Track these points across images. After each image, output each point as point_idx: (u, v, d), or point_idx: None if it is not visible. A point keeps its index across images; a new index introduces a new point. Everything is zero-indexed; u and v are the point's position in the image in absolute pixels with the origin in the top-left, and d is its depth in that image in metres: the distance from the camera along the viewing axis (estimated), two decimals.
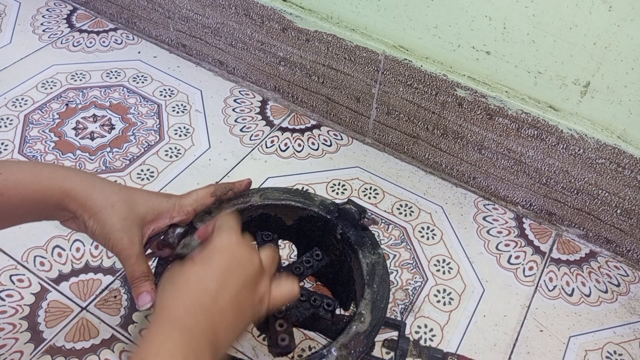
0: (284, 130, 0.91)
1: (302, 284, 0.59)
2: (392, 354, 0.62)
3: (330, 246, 0.62)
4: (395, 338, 0.59)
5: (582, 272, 0.76)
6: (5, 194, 0.45)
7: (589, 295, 0.74)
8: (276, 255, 0.51)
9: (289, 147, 0.89)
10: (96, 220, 0.48)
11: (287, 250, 0.74)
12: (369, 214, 0.66)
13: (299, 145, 0.89)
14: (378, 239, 0.77)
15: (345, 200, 0.60)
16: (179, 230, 0.53)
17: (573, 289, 0.74)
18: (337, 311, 0.58)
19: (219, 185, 0.57)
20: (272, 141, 0.89)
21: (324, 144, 0.90)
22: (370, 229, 0.60)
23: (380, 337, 0.65)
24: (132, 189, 0.52)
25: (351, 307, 0.66)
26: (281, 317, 0.54)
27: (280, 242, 0.64)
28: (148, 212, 0.51)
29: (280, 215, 0.63)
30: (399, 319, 0.69)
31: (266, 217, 0.62)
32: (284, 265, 0.60)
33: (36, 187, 0.46)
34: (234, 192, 0.59)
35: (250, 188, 0.61)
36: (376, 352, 0.64)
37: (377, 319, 0.53)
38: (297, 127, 0.92)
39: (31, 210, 0.47)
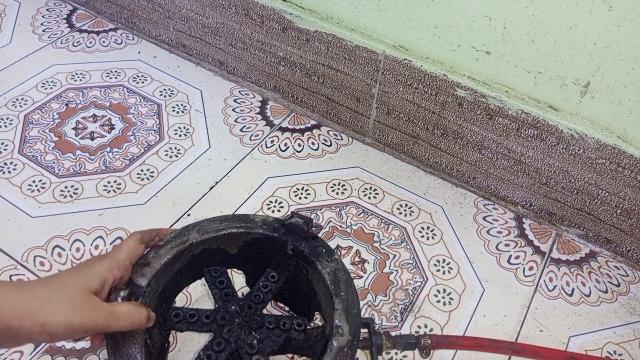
0: (284, 130, 0.91)
1: (264, 311, 0.57)
2: (367, 351, 0.61)
3: (281, 263, 0.60)
4: (366, 336, 0.58)
5: (582, 272, 0.76)
6: None
7: (589, 295, 0.74)
8: None
9: (289, 147, 0.89)
10: (46, 318, 0.41)
11: (242, 278, 0.69)
12: (315, 221, 0.63)
13: (299, 145, 0.89)
14: (378, 239, 0.77)
15: (288, 214, 0.58)
16: (122, 294, 0.49)
17: (573, 289, 0.74)
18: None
19: (144, 232, 0.53)
20: (272, 141, 0.89)
21: (324, 144, 0.90)
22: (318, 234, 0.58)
23: None
24: (61, 274, 0.45)
25: (315, 318, 0.64)
26: (256, 352, 0.52)
27: (228, 272, 0.60)
28: (90, 283, 0.45)
29: (223, 246, 0.59)
30: (399, 318, 0.69)
31: (208, 251, 0.59)
32: (241, 297, 0.57)
33: None
34: (160, 237, 0.55)
35: (186, 225, 0.57)
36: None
37: (355, 326, 0.51)
38: (297, 127, 0.92)
39: None
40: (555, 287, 0.74)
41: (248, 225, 0.58)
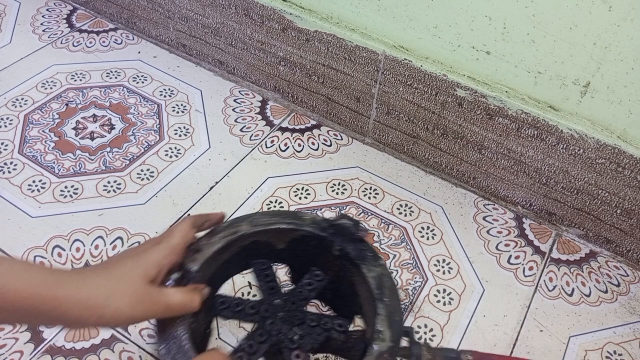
0: (284, 130, 0.91)
1: (306, 308, 0.57)
2: None
3: (327, 263, 0.60)
4: (406, 345, 0.58)
5: (582, 272, 0.76)
6: None
7: (589, 295, 0.74)
8: None
9: (288, 147, 0.89)
10: (113, 311, 0.43)
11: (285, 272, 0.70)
12: (362, 225, 0.64)
13: (299, 145, 0.89)
14: (378, 239, 0.77)
15: (338, 215, 0.58)
16: (174, 276, 0.51)
17: (573, 289, 0.74)
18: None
19: (196, 216, 0.54)
20: (272, 141, 0.89)
21: (324, 144, 0.90)
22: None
23: None
24: (121, 262, 0.47)
25: (356, 320, 0.64)
26: (296, 348, 0.52)
27: (274, 266, 0.61)
28: (149, 272, 0.47)
29: (271, 240, 0.60)
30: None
31: (256, 243, 0.60)
32: (285, 292, 0.58)
33: (25, 293, 0.41)
34: (210, 222, 0.56)
35: (238, 216, 0.59)
36: None
37: (397, 333, 0.51)
38: (297, 127, 0.92)
39: (23, 315, 0.42)
40: (555, 287, 0.74)
41: (297, 222, 0.59)
